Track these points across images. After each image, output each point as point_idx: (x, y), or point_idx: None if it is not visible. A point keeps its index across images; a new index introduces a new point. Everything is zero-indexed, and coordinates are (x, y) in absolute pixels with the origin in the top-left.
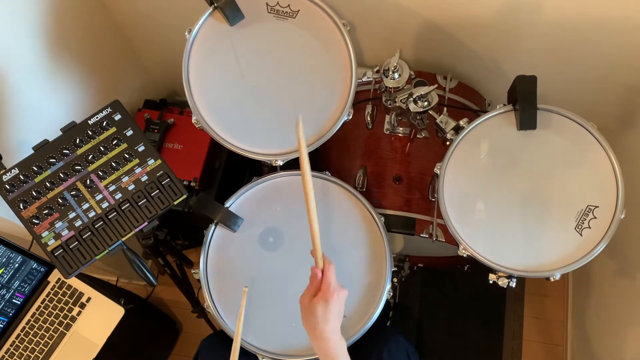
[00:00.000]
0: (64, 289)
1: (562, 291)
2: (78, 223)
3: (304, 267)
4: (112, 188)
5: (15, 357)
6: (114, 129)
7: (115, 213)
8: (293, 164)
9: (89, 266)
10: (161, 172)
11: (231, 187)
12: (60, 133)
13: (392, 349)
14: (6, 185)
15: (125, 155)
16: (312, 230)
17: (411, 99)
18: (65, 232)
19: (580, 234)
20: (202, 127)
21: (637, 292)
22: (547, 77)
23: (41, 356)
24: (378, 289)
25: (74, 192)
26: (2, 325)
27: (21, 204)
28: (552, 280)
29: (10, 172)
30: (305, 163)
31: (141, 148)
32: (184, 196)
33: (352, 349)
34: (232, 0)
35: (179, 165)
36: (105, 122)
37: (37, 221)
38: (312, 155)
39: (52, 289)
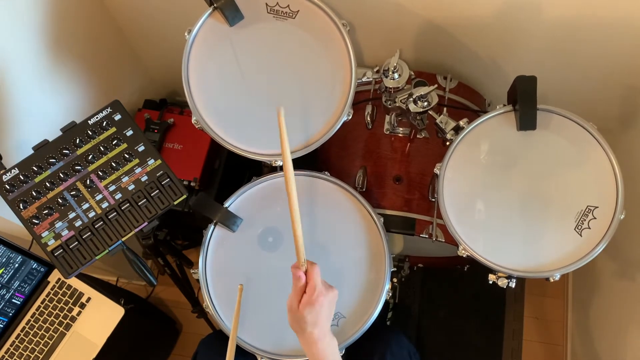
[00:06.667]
0: (64, 289)
1: (562, 291)
2: (78, 223)
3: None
4: (112, 188)
5: (15, 357)
6: (114, 129)
7: (115, 213)
8: (293, 165)
9: (89, 266)
10: (161, 172)
11: (231, 187)
12: (60, 133)
13: (394, 349)
14: (6, 185)
15: (125, 155)
16: (294, 224)
17: (411, 99)
18: (65, 232)
19: (580, 235)
20: (202, 128)
21: (637, 293)
22: (547, 77)
23: (41, 356)
24: (377, 289)
25: (74, 192)
26: (2, 325)
27: (21, 204)
28: (552, 280)
29: (10, 172)
30: (286, 148)
31: (141, 148)
32: (184, 196)
33: (353, 349)
34: (231, 1)
35: (179, 165)
36: (105, 122)
37: (37, 221)
38: (312, 155)
39: (52, 289)
